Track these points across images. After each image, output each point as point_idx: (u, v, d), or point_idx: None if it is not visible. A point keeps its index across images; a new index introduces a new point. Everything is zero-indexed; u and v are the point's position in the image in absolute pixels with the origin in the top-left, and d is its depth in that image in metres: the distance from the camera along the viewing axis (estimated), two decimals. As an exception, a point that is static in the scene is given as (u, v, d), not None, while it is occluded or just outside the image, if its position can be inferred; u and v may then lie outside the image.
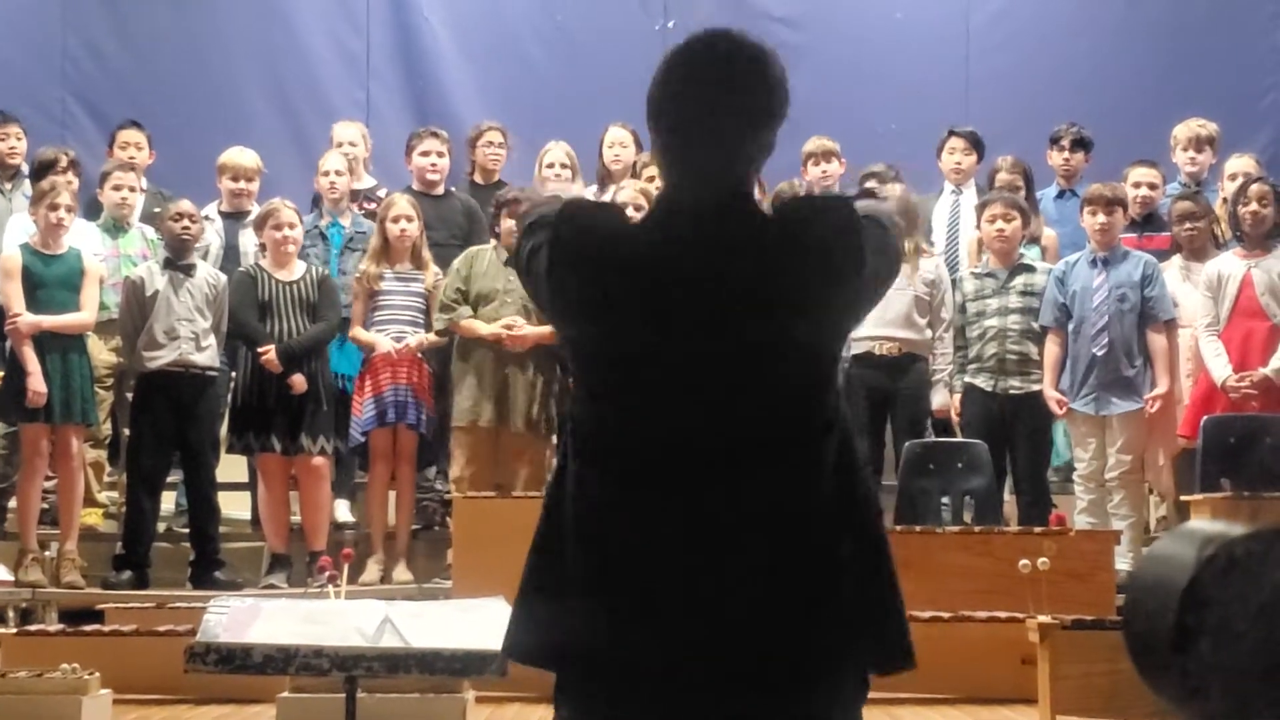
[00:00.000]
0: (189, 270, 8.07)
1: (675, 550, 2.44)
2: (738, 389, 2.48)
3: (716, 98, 2.52)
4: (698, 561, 2.43)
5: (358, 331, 8.13)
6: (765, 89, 2.56)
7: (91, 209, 8.76)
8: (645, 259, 2.51)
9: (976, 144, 9.05)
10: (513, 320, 7.85)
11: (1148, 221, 8.55)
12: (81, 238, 8.22)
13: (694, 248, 2.50)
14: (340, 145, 9.24)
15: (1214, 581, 1.41)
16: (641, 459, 2.50)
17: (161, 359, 7.94)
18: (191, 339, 7.97)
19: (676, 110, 2.55)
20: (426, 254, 8.21)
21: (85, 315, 7.97)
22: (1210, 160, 8.90)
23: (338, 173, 8.79)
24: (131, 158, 9.02)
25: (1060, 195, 9.00)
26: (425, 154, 8.87)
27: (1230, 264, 7.81)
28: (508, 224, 8.03)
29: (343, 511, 8.56)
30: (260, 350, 7.89)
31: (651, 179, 8.55)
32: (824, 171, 8.97)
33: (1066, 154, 8.98)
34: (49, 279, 7.91)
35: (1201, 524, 1.51)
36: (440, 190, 8.88)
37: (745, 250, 2.49)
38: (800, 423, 2.51)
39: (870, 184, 8.76)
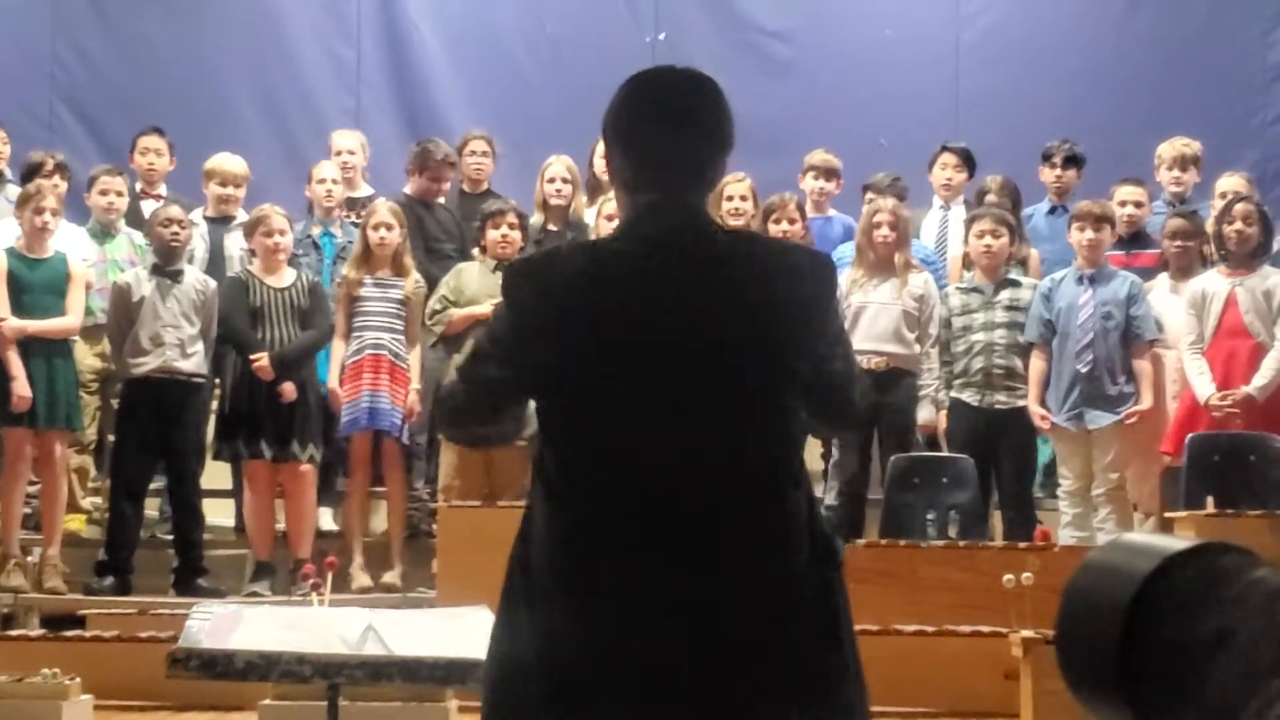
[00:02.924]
0: (176, 276, 8.05)
1: (650, 606, 2.44)
2: (702, 431, 2.49)
3: (675, 128, 2.63)
4: (675, 626, 2.43)
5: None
6: (718, 118, 2.69)
7: (79, 213, 8.74)
8: (603, 287, 2.53)
9: (968, 160, 9.08)
10: None
11: (1135, 239, 8.57)
12: (69, 242, 8.19)
13: (653, 276, 2.53)
14: (339, 154, 9.25)
15: (1162, 595, 1.38)
16: (610, 502, 2.49)
17: (146, 365, 7.91)
18: (177, 345, 7.94)
19: (636, 139, 2.64)
20: (408, 261, 8.20)
21: (71, 319, 7.94)
22: (1195, 179, 8.92)
23: (334, 181, 8.80)
24: (151, 164, 9.01)
25: (1052, 211, 9.01)
26: (435, 179, 8.86)
27: (1214, 282, 7.83)
28: (492, 234, 8.03)
29: (326, 520, 8.54)
30: (253, 357, 7.87)
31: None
32: (821, 188, 8.94)
33: (1058, 170, 9.00)
34: (34, 283, 7.88)
35: (1139, 537, 1.49)
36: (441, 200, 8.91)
37: (704, 284, 2.53)
38: (765, 474, 2.52)
39: (869, 195, 8.77)
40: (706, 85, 2.70)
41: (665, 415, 2.48)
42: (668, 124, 2.63)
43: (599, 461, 2.51)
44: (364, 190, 9.34)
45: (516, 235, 8.06)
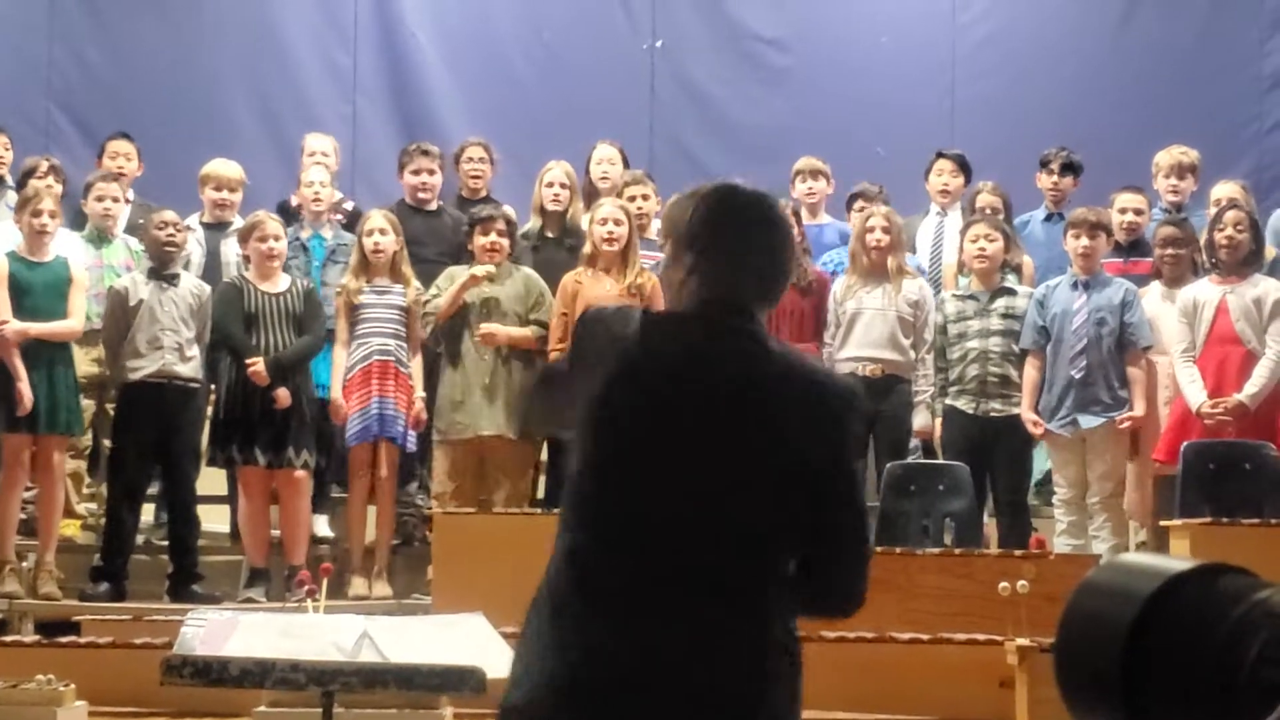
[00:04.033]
0: (173, 280, 8.04)
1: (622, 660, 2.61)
2: (701, 518, 2.67)
3: (747, 236, 2.84)
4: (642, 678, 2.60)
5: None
6: (783, 239, 2.90)
7: (76, 219, 8.74)
8: (643, 365, 2.76)
9: (964, 167, 9.10)
10: (491, 328, 7.88)
11: (1134, 247, 8.58)
12: (65, 248, 8.19)
13: (690, 365, 2.75)
14: (314, 155, 9.25)
15: (1165, 616, 1.38)
16: (605, 564, 2.68)
17: (144, 369, 7.91)
18: (175, 349, 7.94)
19: (711, 240, 2.82)
20: (407, 269, 8.20)
21: (73, 323, 7.93)
22: (1192, 187, 8.93)
23: (321, 184, 8.82)
24: (120, 168, 9.01)
25: (1049, 218, 9.03)
26: (416, 172, 8.88)
27: (1206, 290, 7.84)
28: (480, 240, 8.04)
29: (321, 526, 8.53)
30: (248, 362, 7.86)
31: (633, 199, 8.56)
32: (810, 189, 9.00)
33: (1055, 177, 9.02)
34: (35, 286, 7.87)
35: (1139, 557, 1.49)
36: (432, 206, 8.89)
37: (734, 390, 2.72)
38: (748, 574, 2.67)
39: (858, 203, 8.80)
40: (772, 205, 2.92)
41: (667, 494, 2.68)
42: (740, 231, 2.84)
43: (600, 518, 2.72)
44: (335, 194, 9.36)
45: (505, 242, 8.07)
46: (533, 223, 8.74)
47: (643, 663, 2.58)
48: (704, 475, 2.67)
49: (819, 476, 2.71)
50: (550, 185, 8.69)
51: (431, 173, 8.90)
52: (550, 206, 8.68)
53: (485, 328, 7.90)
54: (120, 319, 7.98)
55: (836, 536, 2.74)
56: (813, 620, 2.91)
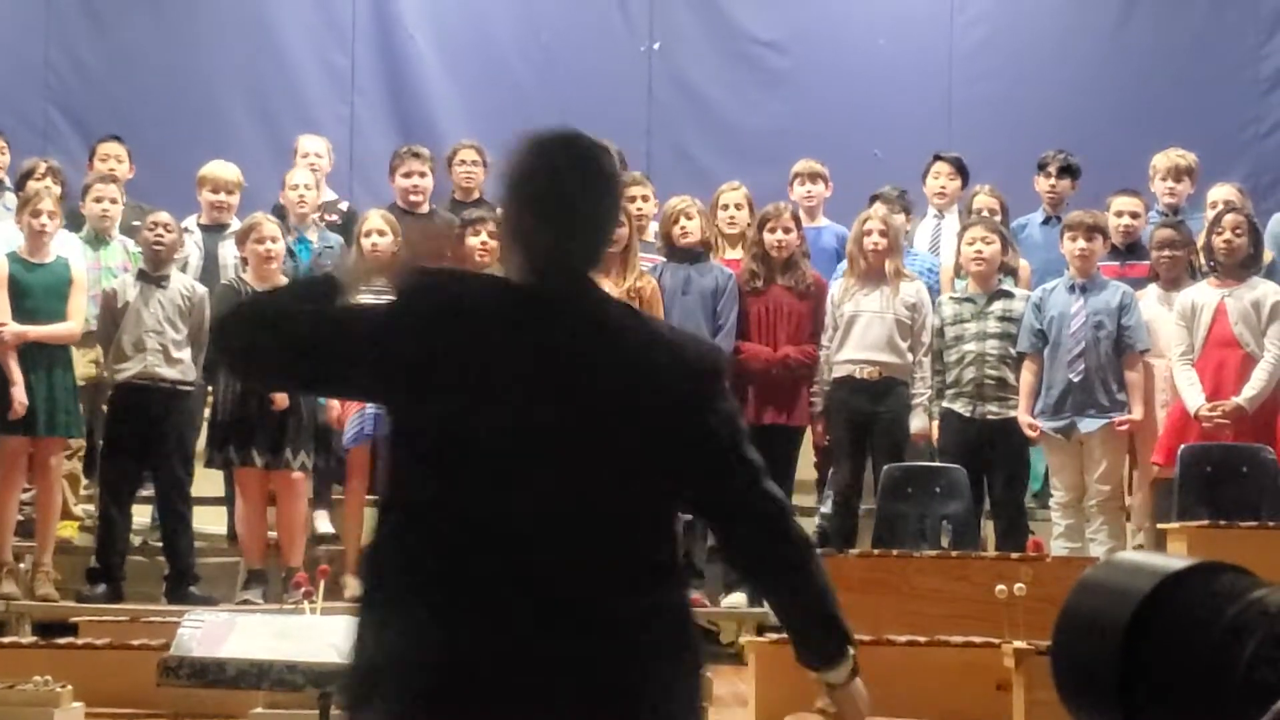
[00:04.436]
0: (162, 281, 8.02)
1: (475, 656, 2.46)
2: (556, 497, 2.49)
3: (575, 189, 2.61)
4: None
5: None
6: (613, 186, 2.74)
7: (74, 221, 8.73)
8: (478, 333, 2.55)
9: (961, 169, 9.10)
10: None
11: (1130, 250, 8.57)
12: (63, 250, 8.18)
13: (527, 330, 2.55)
14: (306, 156, 9.26)
15: (1161, 615, 1.39)
16: (449, 542, 2.50)
17: (128, 370, 7.88)
18: (159, 351, 7.90)
19: (536, 195, 2.62)
20: (403, 270, 8.20)
21: (72, 325, 7.92)
22: (1189, 190, 8.93)
23: (306, 187, 8.83)
24: (111, 170, 9.00)
25: (1046, 221, 9.02)
26: (407, 175, 8.89)
27: (1204, 293, 7.84)
28: (471, 241, 8.04)
29: (323, 523, 8.53)
30: (239, 362, 7.85)
31: (633, 199, 8.57)
32: (809, 192, 8.98)
33: (1053, 180, 9.01)
34: (35, 288, 7.86)
35: (1136, 556, 1.49)
36: (424, 209, 8.89)
37: (580, 349, 2.55)
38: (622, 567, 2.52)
39: (874, 206, 8.77)
40: (602, 152, 2.70)
41: (512, 468, 2.50)
42: (567, 184, 2.62)
43: (443, 497, 2.52)
44: (327, 194, 9.37)
45: (495, 244, 8.07)
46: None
47: (515, 660, 2.43)
48: (556, 459, 2.49)
49: (691, 446, 2.57)
50: None
51: (423, 175, 8.90)
52: None
53: None
54: (110, 320, 7.98)
55: (738, 506, 2.62)
56: (775, 580, 2.73)
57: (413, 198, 8.85)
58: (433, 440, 2.53)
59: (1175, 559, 1.43)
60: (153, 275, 8.03)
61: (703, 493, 2.64)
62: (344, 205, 9.28)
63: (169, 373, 7.93)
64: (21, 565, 8.01)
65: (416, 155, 8.96)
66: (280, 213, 8.93)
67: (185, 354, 7.99)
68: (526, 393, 2.50)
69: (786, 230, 8.16)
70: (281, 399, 7.83)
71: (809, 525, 7.63)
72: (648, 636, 2.49)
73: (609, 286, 7.75)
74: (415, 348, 2.52)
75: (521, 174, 2.64)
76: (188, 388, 8.06)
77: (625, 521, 2.53)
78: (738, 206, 8.44)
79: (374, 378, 2.61)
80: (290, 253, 8.64)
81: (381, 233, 8.14)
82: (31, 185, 8.25)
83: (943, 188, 9.06)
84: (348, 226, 8.70)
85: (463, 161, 9.16)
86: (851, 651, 2.75)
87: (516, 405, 2.50)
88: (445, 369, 2.52)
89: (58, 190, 8.52)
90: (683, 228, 8.18)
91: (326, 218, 8.97)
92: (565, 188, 2.61)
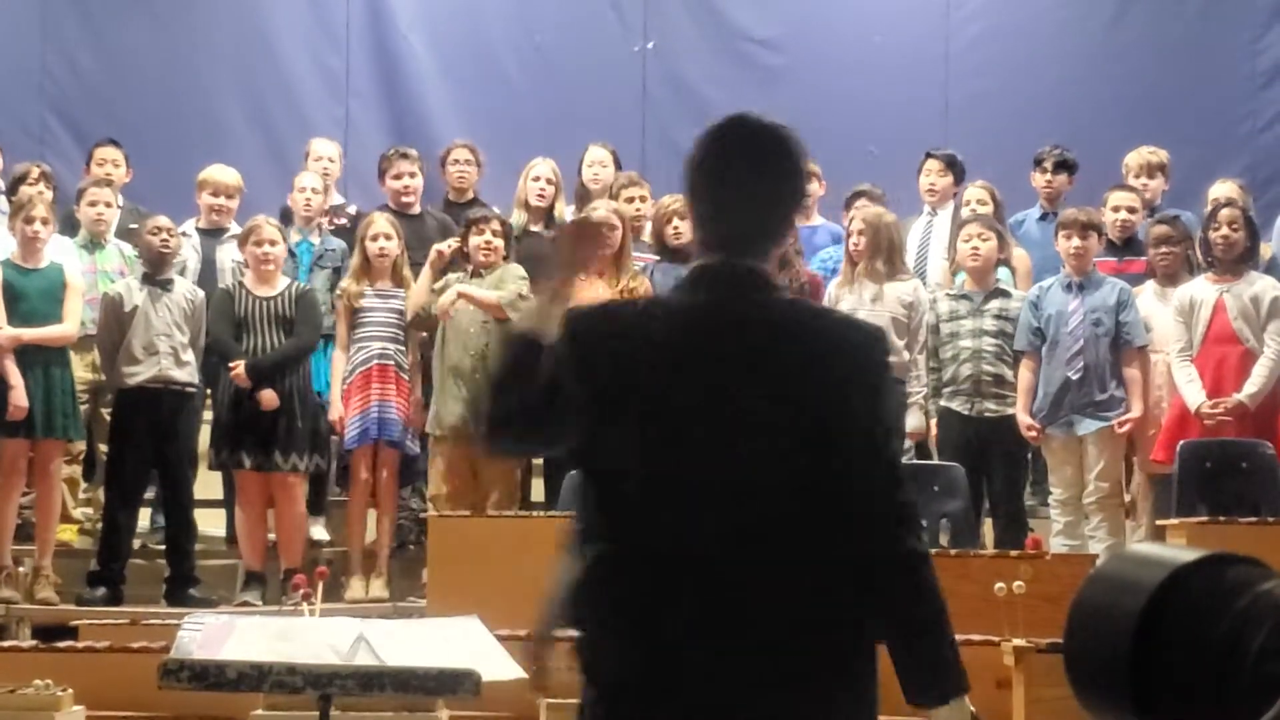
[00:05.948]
0: (167, 285, 8.05)
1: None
2: (745, 498, 2.54)
3: (749, 176, 2.65)
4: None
5: None
6: (793, 171, 2.73)
7: (65, 225, 8.72)
8: (655, 364, 2.59)
9: (952, 165, 9.08)
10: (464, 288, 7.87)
11: (1127, 246, 8.57)
12: (59, 254, 8.18)
13: (699, 354, 2.59)
14: (319, 160, 9.26)
15: (1172, 607, 1.39)
16: (656, 561, 2.56)
17: (140, 375, 7.91)
18: (170, 354, 7.94)
19: (711, 185, 2.67)
20: (407, 273, 8.21)
21: (68, 327, 7.93)
22: (1163, 186, 8.99)
23: (314, 190, 8.83)
24: (109, 174, 9.00)
25: (1043, 217, 9.03)
26: (398, 176, 8.89)
27: (1202, 289, 7.83)
28: (474, 240, 8.04)
29: (317, 530, 8.53)
30: (230, 366, 7.87)
31: (630, 200, 8.57)
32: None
33: (1049, 176, 9.02)
34: (29, 292, 7.86)
35: (1146, 548, 1.49)
36: (415, 210, 8.89)
37: (752, 362, 2.58)
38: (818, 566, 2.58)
39: (860, 202, 8.79)
40: (783, 135, 2.72)
41: (707, 483, 2.55)
42: (741, 171, 2.67)
43: (642, 523, 2.59)
44: (335, 198, 9.37)
45: (499, 243, 8.07)
46: (517, 216, 8.76)
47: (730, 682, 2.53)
48: (750, 463, 2.55)
49: (853, 429, 2.59)
50: (536, 180, 8.73)
51: (413, 175, 8.91)
52: (534, 201, 8.73)
53: (459, 287, 7.88)
54: (115, 325, 7.98)
55: (870, 491, 2.63)
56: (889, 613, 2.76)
57: (404, 199, 8.85)
58: (625, 476, 2.59)
59: (1186, 550, 1.44)
60: (157, 279, 8.04)
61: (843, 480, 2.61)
62: (352, 209, 9.26)
63: (180, 375, 7.96)
64: (21, 569, 8.01)
65: (405, 156, 8.96)
66: (286, 215, 8.94)
67: (190, 356, 8.01)
68: (707, 419, 2.56)
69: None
70: (268, 400, 7.81)
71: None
72: (839, 681, 2.69)
73: (602, 287, 7.75)
74: (601, 386, 2.60)
75: (698, 159, 2.70)
76: (194, 390, 8.09)
77: (816, 551, 2.58)
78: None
79: (575, 426, 2.67)
80: (291, 253, 8.65)
81: (388, 236, 8.15)
82: (24, 191, 8.25)
83: (933, 185, 9.05)
84: (354, 230, 8.69)
85: (456, 161, 9.17)
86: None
87: (699, 435, 2.56)
88: (630, 403, 2.59)
89: (50, 195, 8.51)
90: (675, 228, 8.18)
91: (335, 221, 8.97)
92: (737, 172, 2.66)
